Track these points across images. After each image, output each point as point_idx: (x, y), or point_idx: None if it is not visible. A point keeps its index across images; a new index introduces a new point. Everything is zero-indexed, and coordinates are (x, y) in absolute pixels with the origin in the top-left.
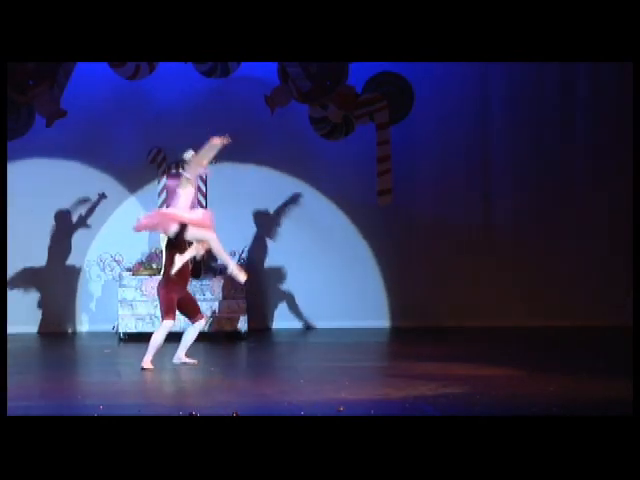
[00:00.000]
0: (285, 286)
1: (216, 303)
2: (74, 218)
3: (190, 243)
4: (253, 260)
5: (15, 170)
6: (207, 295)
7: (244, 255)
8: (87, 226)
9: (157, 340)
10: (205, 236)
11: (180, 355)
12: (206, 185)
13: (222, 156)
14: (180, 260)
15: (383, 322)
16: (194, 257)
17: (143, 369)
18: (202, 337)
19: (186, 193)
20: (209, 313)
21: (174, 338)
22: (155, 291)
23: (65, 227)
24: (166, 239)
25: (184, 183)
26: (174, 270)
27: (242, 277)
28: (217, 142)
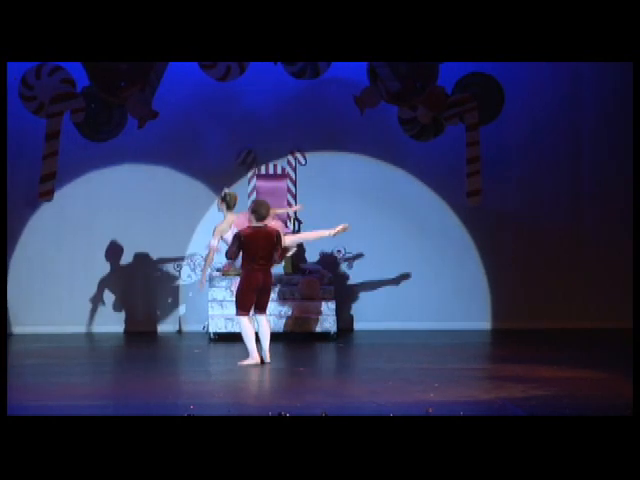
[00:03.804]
0: (374, 284)
1: (305, 304)
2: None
3: None
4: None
5: (109, 171)
6: (296, 295)
7: (346, 255)
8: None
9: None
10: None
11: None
12: (295, 185)
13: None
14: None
15: (472, 324)
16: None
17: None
18: (290, 338)
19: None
20: (298, 314)
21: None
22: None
23: (159, 228)
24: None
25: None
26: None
27: (340, 228)
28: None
